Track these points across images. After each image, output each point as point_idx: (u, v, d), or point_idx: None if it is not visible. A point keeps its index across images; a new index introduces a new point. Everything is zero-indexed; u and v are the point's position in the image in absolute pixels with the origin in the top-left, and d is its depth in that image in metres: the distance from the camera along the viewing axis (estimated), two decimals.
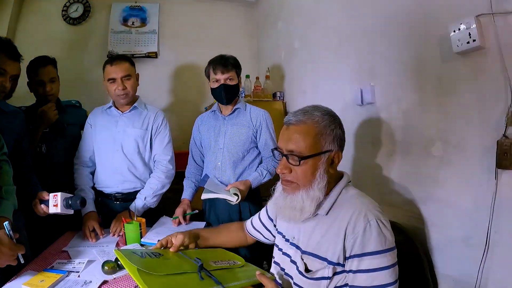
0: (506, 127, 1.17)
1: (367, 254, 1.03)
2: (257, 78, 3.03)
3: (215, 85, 2.02)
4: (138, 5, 3.24)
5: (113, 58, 2.03)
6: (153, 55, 3.20)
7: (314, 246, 1.14)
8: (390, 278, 1.02)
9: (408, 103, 1.64)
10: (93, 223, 1.84)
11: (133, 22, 3.22)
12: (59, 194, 1.49)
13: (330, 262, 1.09)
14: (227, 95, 2.01)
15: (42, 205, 1.54)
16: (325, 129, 1.13)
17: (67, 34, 3.13)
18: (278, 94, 2.98)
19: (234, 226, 1.59)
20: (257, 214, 1.54)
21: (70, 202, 1.50)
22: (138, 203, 1.98)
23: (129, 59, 2.08)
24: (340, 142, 1.17)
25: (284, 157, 1.15)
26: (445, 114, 1.44)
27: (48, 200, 1.51)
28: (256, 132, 2.07)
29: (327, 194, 1.16)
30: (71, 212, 1.54)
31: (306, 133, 1.12)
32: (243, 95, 2.89)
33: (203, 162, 2.22)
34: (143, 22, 3.24)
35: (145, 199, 2.00)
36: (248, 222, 1.56)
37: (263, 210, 1.50)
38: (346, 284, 1.09)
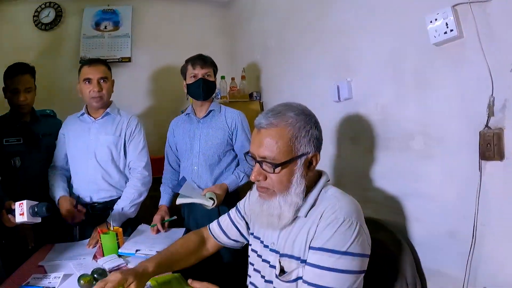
0: (488, 117, 1.15)
1: (322, 249, 0.98)
2: (233, 78, 3.00)
3: (192, 80, 1.99)
4: (110, 8, 3.16)
5: (90, 60, 2.02)
6: (126, 60, 3.14)
7: (290, 247, 1.09)
8: (337, 284, 0.96)
9: (386, 97, 1.61)
10: (67, 207, 1.81)
11: (105, 26, 3.14)
12: (24, 202, 1.43)
13: (302, 261, 1.05)
14: (205, 90, 1.99)
15: (9, 215, 1.47)
16: (300, 131, 1.05)
17: (38, 40, 3.04)
18: (254, 94, 2.95)
19: (191, 241, 1.43)
20: (225, 214, 1.46)
21: (36, 209, 1.44)
22: (116, 214, 1.92)
23: (107, 63, 2.06)
24: (317, 142, 1.10)
25: (257, 164, 1.08)
26: (425, 107, 1.41)
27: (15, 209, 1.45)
28: (232, 134, 2.04)
29: (305, 196, 1.10)
30: (39, 220, 1.48)
31: (279, 137, 1.04)
32: (219, 96, 2.86)
33: (179, 166, 2.17)
34: (116, 25, 3.16)
35: (123, 209, 1.95)
36: (213, 224, 1.46)
37: (233, 209, 1.43)
38: None
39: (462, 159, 1.24)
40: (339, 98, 1.87)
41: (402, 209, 1.51)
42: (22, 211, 1.43)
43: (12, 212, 1.45)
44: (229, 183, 1.95)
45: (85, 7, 3.14)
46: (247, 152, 1.14)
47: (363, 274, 1.02)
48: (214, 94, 2.11)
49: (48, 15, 3.04)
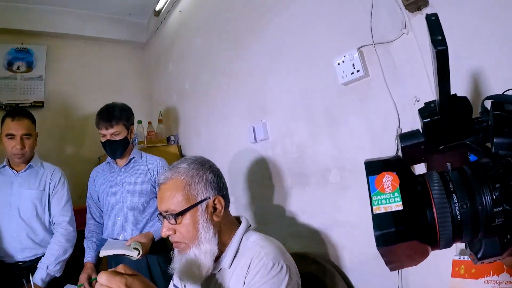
0: (397, 147, 1.21)
1: None
2: (150, 123, 2.93)
3: (103, 139, 1.92)
4: (24, 47, 2.88)
5: (14, 112, 1.92)
6: (39, 105, 2.88)
7: None
8: None
9: (300, 135, 1.69)
10: None
11: (18, 67, 2.84)
12: None
13: None
14: (113, 150, 1.91)
15: None
16: (193, 178, 1.07)
17: None
18: (172, 137, 2.90)
19: None
20: None
21: None
22: (40, 273, 1.79)
23: (32, 116, 1.96)
24: (216, 186, 1.10)
25: (164, 219, 1.07)
26: (337, 142, 1.51)
27: None
28: (155, 182, 1.96)
29: (227, 244, 1.09)
30: None
31: (174, 188, 1.05)
32: (136, 141, 2.74)
33: (102, 218, 2.03)
34: (30, 66, 2.89)
35: (48, 268, 1.81)
36: None
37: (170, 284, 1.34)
38: None
39: None
40: (255, 139, 1.91)
41: (328, 240, 1.55)
42: None
43: None
44: (154, 231, 1.85)
45: None
46: (159, 213, 1.12)
47: None
48: (131, 141, 2.02)
49: None
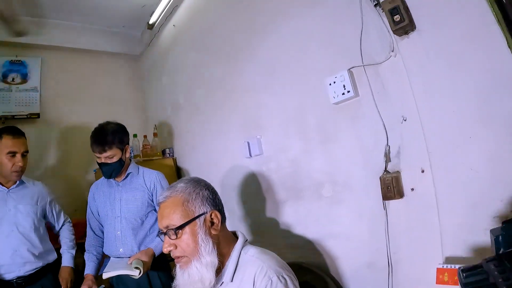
0: (386, 163, 1.32)
1: None
2: (145, 136, 2.92)
3: (98, 160, 1.93)
4: (19, 60, 2.87)
5: (13, 131, 1.94)
6: (35, 116, 2.86)
7: None
8: None
9: (294, 151, 1.76)
10: None
11: (13, 79, 2.82)
12: None
13: None
14: (107, 173, 1.93)
15: None
16: (190, 195, 1.15)
17: None
18: (167, 151, 2.92)
19: None
20: None
21: None
22: (67, 257, 2.05)
23: (24, 135, 2.00)
24: (212, 201, 1.18)
25: (165, 236, 1.13)
26: (330, 158, 1.59)
27: None
28: (152, 195, 1.99)
29: (226, 259, 1.15)
30: None
31: (173, 205, 1.13)
32: (132, 155, 2.71)
33: (102, 232, 2.05)
34: (24, 78, 2.87)
35: (70, 250, 2.09)
36: None
37: None
38: None
39: (368, 201, 1.42)
40: (250, 154, 1.97)
41: (323, 250, 1.62)
42: None
43: None
44: (154, 247, 1.87)
45: None
46: (159, 231, 1.18)
47: None
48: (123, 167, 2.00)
49: None
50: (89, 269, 1.93)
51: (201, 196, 1.14)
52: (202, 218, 1.11)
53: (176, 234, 1.09)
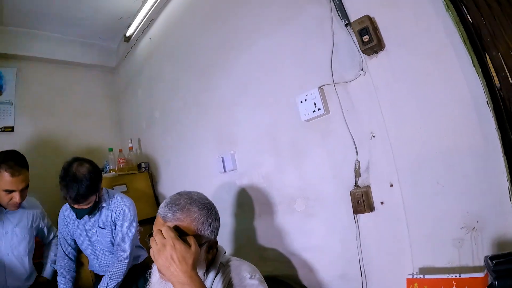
0: (356, 178, 1.34)
1: None
2: (120, 150, 2.86)
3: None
4: None
5: (14, 168, 1.74)
6: (9, 130, 2.80)
7: None
8: None
9: (267, 167, 1.78)
10: None
11: None
12: None
13: None
14: (81, 216, 1.82)
15: None
16: (203, 225, 1.12)
17: None
18: (143, 165, 2.87)
19: None
20: None
21: None
22: (49, 271, 2.05)
23: (27, 165, 1.85)
24: (216, 232, 1.18)
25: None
26: (301, 173, 1.62)
27: None
28: (114, 224, 1.93)
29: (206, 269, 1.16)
30: None
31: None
32: (108, 169, 2.70)
33: (75, 256, 2.03)
34: None
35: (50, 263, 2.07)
36: None
37: None
38: None
39: (339, 215, 1.45)
40: (224, 169, 1.98)
41: (297, 262, 1.63)
42: None
43: None
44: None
45: None
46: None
47: None
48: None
49: None
50: None
51: (211, 228, 1.12)
52: (205, 245, 1.10)
53: None
